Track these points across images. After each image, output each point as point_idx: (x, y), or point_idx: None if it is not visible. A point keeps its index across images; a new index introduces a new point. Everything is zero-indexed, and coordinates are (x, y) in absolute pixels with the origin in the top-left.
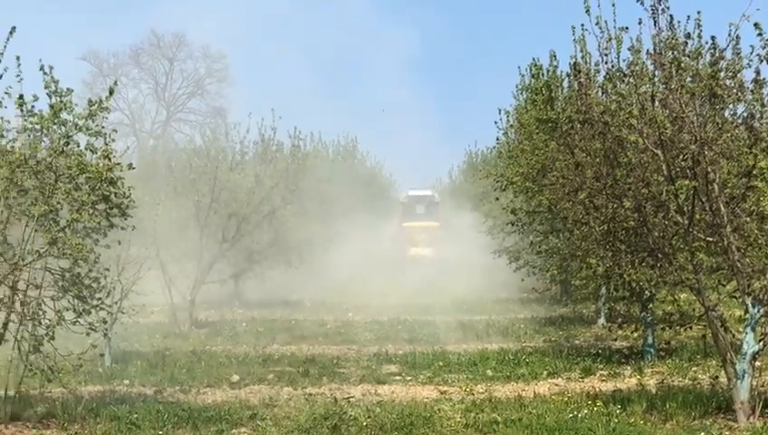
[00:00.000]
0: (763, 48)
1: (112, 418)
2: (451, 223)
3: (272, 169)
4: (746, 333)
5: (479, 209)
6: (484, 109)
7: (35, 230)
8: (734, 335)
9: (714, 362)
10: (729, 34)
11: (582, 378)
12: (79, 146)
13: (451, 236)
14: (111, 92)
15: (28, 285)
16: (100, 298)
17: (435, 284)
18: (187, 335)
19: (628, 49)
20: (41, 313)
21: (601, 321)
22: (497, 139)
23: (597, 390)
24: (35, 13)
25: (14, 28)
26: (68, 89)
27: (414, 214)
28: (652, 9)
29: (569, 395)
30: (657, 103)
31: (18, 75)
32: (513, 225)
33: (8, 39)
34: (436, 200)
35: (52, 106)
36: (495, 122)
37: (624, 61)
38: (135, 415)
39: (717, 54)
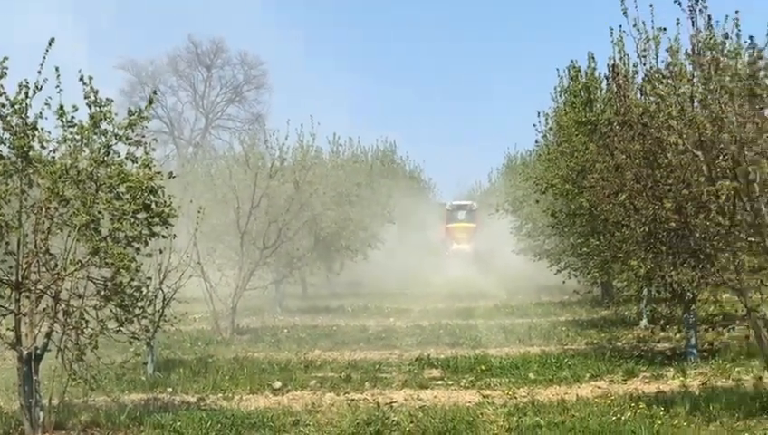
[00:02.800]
0: None
1: (156, 426)
2: (489, 224)
3: (311, 175)
4: None
5: (519, 211)
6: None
7: (77, 240)
8: None
9: (757, 362)
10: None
11: (625, 380)
12: (119, 155)
13: (488, 235)
14: (151, 102)
15: (71, 295)
16: (142, 307)
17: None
18: (229, 342)
19: (667, 50)
20: (83, 322)
21: (644, 323)
22: (536, 141)
23: (640, 392)
24: (71, 20)
25: (52, 39)
26: (107, 99)
27: (456, 219)
28: (690, 9)
29: (612, 398)
30: (696, 104)
31: (58, 86)
32: (553, 227)
33: (47, 50)
34: (474, 208)
35: (92, 116)
36: (534, 125)
37: (662, 62)
38: (178, 423)
39: (756, 54)
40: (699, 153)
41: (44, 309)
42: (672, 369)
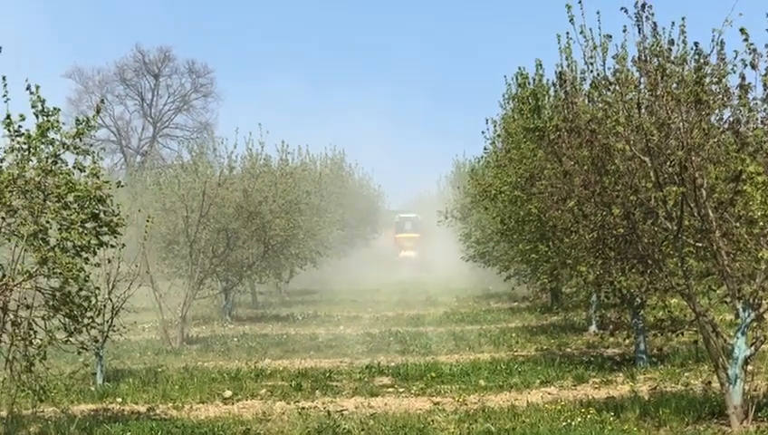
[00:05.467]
0: (748, 53)
1: None
2: (437, 232)
3: (260, 183)
4: (737, 338)
5: (468, 219)
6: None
7: (25, 250)
8: (725, 340)
9: (706, 367)
10: (713, 40)
11: (575, 386)
12: (67, 165)
13: (435, 243)
14: (98, 111)
15: (19, 306)
16: (90, 317)
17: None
18: (178, 352)
19: (613, 57)
20: (32, 333)
21: (593, 328)
22: (485, 148)
23: (590, 397)
24: (18, 29)
25: None
26: (55, 108)
27: (404, 229)
28: (636, 16)
29: (562, 403)
30: (643, 110)
31: (5, 95)
32: (502, 234)
33: None
34: (419, 220)
35: (39, 126)
36: (483, 132)
37: (609, 69)
38: (128, 433)
39: (702, 60)
40: (647, 159)
41: None
42: (621, 374)
